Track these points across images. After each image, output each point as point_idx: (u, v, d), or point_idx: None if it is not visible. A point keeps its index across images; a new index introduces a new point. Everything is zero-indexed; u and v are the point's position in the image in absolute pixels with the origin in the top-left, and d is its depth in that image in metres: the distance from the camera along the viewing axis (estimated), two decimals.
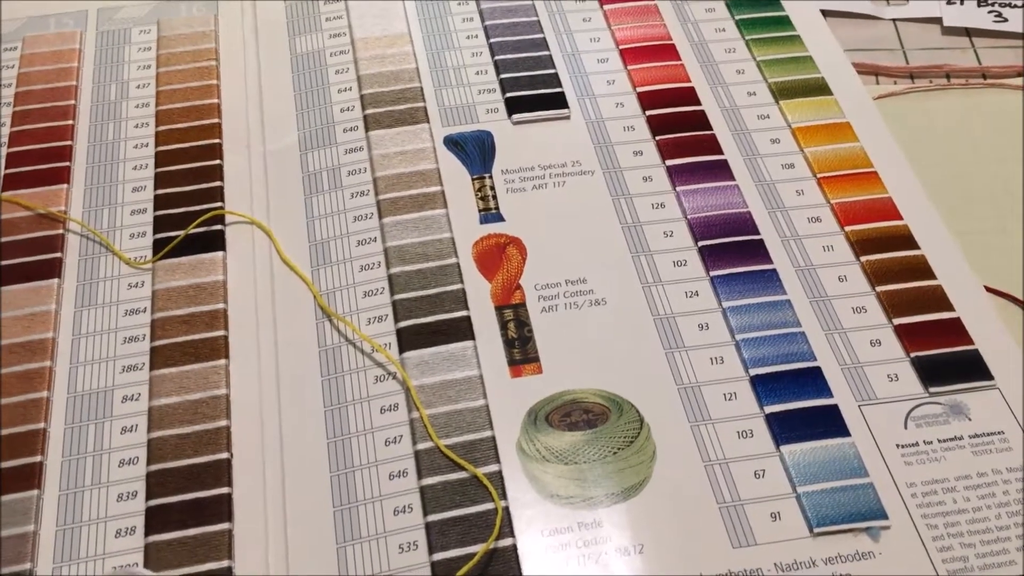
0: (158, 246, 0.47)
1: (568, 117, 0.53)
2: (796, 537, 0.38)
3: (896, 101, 0.56)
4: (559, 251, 0.47)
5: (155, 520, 0.39)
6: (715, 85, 0.55)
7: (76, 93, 0.54)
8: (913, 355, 0.43)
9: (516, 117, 0.53)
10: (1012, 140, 0.54)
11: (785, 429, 0.41)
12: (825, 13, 0.60)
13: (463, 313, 0.45)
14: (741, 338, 0.44)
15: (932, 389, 0.42)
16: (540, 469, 0.40)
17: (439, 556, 0.38)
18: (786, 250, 0.47)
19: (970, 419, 0.42)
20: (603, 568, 0.38)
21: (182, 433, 0.41)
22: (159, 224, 0.48)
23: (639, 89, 0.54)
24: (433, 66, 0.55)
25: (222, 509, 0.39)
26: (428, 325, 0.44)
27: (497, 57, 0.55)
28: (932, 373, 0.43)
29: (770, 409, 0.42)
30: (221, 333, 0.44)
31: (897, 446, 0.41)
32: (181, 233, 0.47)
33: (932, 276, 0.46)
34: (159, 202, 0.49)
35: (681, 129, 0.52)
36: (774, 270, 0.46)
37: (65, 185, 0.50)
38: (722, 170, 0.50)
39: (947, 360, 0.43)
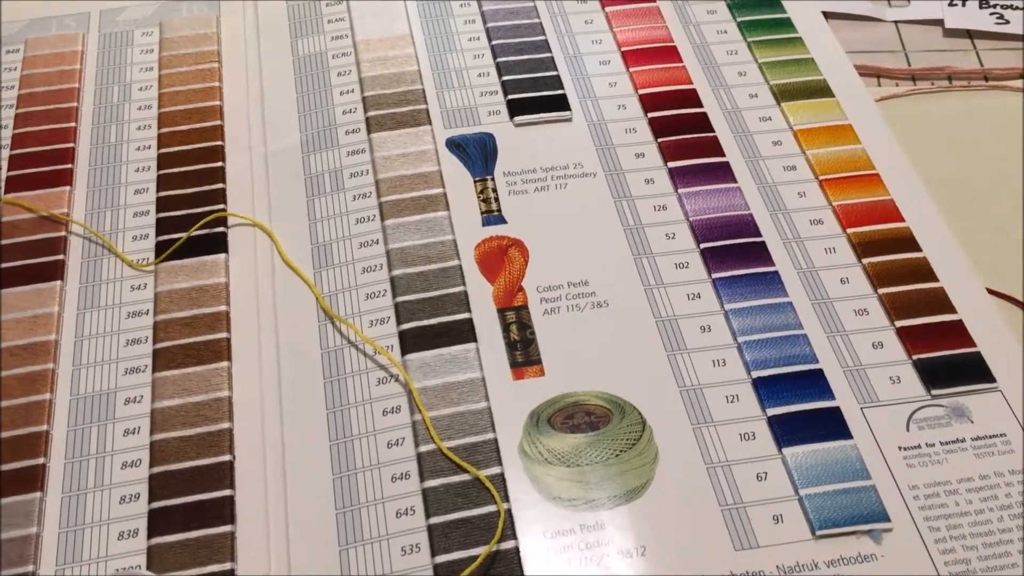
0: (160, 248, 0.47)
1: (570, 119, 0.53)
2: (798, 539, 0.38)
3: (898, 103, 0.56)
4: (561, 253, 0.47)
5: (158, 522, 0.39)
6: (717, 87, 0.55)
7: (78, 95, 0.54)
8: (915, 357, 0.43)
9: (518, 119, 0.53)
10: (1014, 142, 0.54)
11: (787, 431, 0.41)
12: (827, 15, 0.60)
13: (465, 315, 0.45)
14: (743, 340, 0.44)
15: (934, 391, 0.42)
16: (542, 471, 0.40)
17: (441, 558, 0.38)
18: (788, 252, 0.47)
19: (972, 421, 0.42)
20: (605, 570, 0.38)
21: (184, 435, 0.41)
22: (161, 226, 0.48)
23: (641, 91, 0.54)
24: (435, 68, 0.55)
25: (224, 511, 0.39)
26: (430, 327, 0.44)
27: (499, 59, 0.55)
28: (934, 375, 0.43)
29: (772, 411, 0.42)
30: (223, 335, 0.44)
31: (899, 448, 0.41)
32: (183, 235, 0.47)
33: (934, 278, 0.46)
34: (161, 204, 0.49)
35: (683, 131, 0.52)
36: (776, 272, 0.46)
37: (67, 187, 0.50)
38: (724, 172, 0.50)
39: (949, 362, 0.43)
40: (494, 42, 0.56)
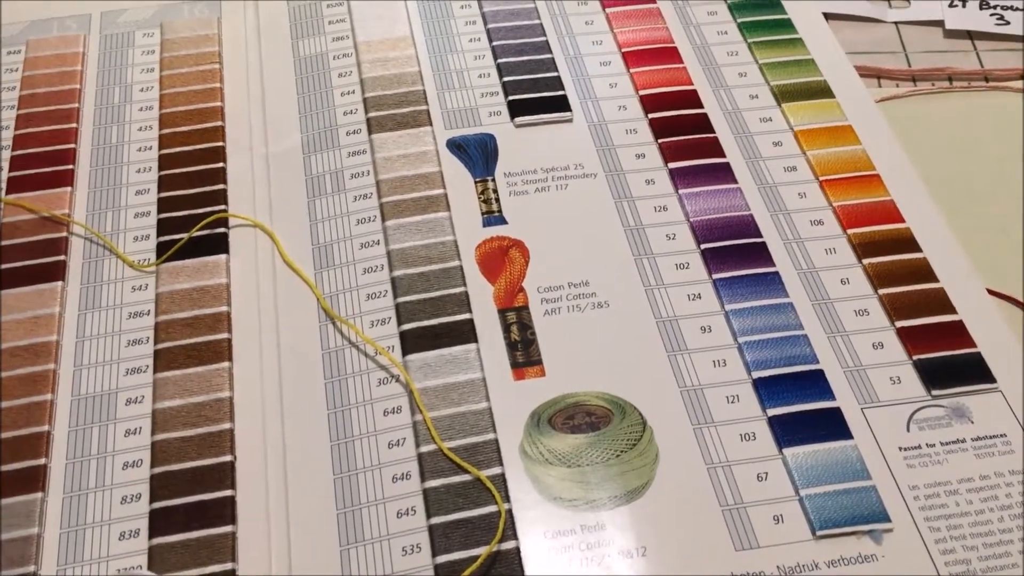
0: (161, 249, 0.47)
1: (571, 120, 0.53)
2: (799, 540, 0.38)
3: (898, 104, 0.56)
4: (562, 254, 0.47)
5: (159, 523, 0.39)
6: (717, 88, 0.55)
7: (79, 96, 0.54)
8: (915, 358, 0.43)
9: (519, 120, 0.53)
10: (1014, 142, 0.54)
11: (788, 432, 0.41)
12: (827, 16, 0.60)
13: (466, 316, 0.45)
14: (743, 341, 0.44)
15: (934, 392, 0.42)
16: (543, 472, 0.40)
17: (442, 559, 0.38)
18: (788, 253, 0.47)
19: (972, 422, 0.42)
20: (606, 571, 0.38)
21: (186, 436, 0.41)
22: (162, 227, 0.48)
23: (641, 92, 0.54)
24: (436, 69, 0.55)
25: (226, 512, 0.39)
26: (431, 328, 0.44)
27: (500, 60, 0.55)
28: (934, 376, 0.43)
29: (772, 412, 0.42)
30: (224, 336, 0.44)
31: (899, 449, 0.41)
32: (185, 236, 0.47)
33: (934, 279, 0.46)
34: (162, 205, 0.49)
35: (683, 132, 0.52)
36: (776, 273, 0.47)
37: (69, 188, 0.50)
38: (724, 173, 0.51)
39: (949, 363, 0.43)
40: (495, 43, 0.56)
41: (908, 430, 0.42)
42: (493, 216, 0.49)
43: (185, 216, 0.48)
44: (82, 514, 0.39)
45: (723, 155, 0.51)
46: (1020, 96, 0.56)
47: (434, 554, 0.38)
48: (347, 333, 0.45)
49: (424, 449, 0.41)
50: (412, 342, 0.44)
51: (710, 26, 0.58)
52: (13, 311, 0.45)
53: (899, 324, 0.45)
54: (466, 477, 0.40)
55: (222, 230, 0.48)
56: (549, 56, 0.56)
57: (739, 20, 0.58)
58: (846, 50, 0.57)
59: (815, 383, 0.43)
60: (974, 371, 0.43)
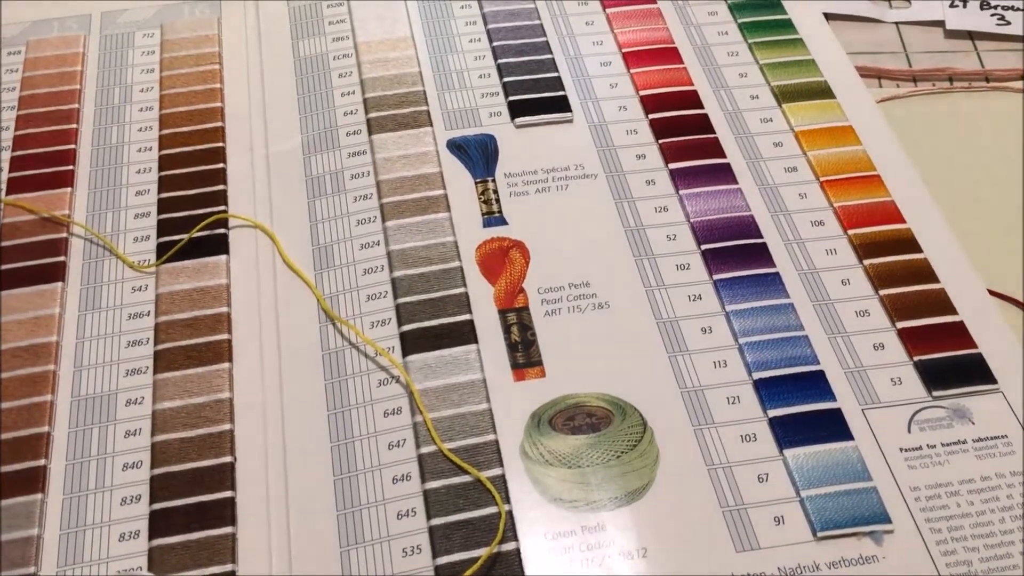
0: (162, 250, 0.47)
1: (571, 120, 0.53)
2: (799, 541, 0.38)
3: (899, 104, 0.56)
4: (562, 255, 0.47)
5: (159, 524, 0.39)
6: (718, 88, 0.55)
7: (80, 97, 0.54)
8: (916, 359, 0.43)
9: (519, 120, 0.53)
10: (1015, 143, 0.54)
11: (788, 433, 0.41)
12: (828, 16, 0.60)
13: (466, 317, 0.45)
14: (744, 342, 0.44)
15: (935, 393, 0.42)
16: (543, 473, 0.40)
17: (442, 560, 0.38)
18: (789, 254, 0.47)
19: (973, 423, 0.42)
20: (607, 571, 0.38)
21: (186, 437, 0.41)
22: (163, 228, 0.48)
23: (642, 92, 0.54)
24: (436, 69, 0.55)
25: (226, 513, 0.39)
26: (431, 329, 0.44)
27: (500, 60, 0.55)
28: (935, 377, 0.43)
29: (773, 413, 0.42)
30: (225, 337, 0.44)
31: (900, 450, 0.41)
32: (185, 237, 0.47)
33: (935, 279, 0.46)
34: (163, 206, 0.49)
35: (684, 132, 0.52)
36: (777, 274, 0.46)
37: (69, 189, 0.50)
38: (725, 173, 0.50)
39: (950, 364, 0.43)
40: (495, 43, 0.56)
41: (909, 431, 0.41)
42: (493, 217, 0.49)
43: (185, 217, 0.48)
44: (82, 515, 0.39)
45: (724, 156, 0.51)
46: (1021, 96, 0.56)
47: (434, 555, 0.38)
48: (347, 334, 0.45)
49: (424, 450, 0.41)
50: (412, 343, 0.44)
51: (711, 26, 0.58)
52: (13, 312, 0.45)
53: (900, 325, 0.45)
54: (466, 478, 0.40)
55: (222, 231, 0.48)
56: (549, 56, 0.56)
57: (740, 20, 0.58)
58: (847, 50, 0.57)
59: (816, 384, 0.43)
60: (975, 372, 0.43)
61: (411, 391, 0.42)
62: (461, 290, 0.46)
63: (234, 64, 0.56)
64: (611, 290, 0.46)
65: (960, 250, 0.47)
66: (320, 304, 0.46)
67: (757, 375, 0.43)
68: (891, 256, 0.47)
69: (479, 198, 0.50)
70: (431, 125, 0.52)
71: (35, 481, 0.40)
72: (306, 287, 0.46)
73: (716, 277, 0.46)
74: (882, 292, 0.46)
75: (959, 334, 0.44)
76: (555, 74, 0.55)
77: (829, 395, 0.42)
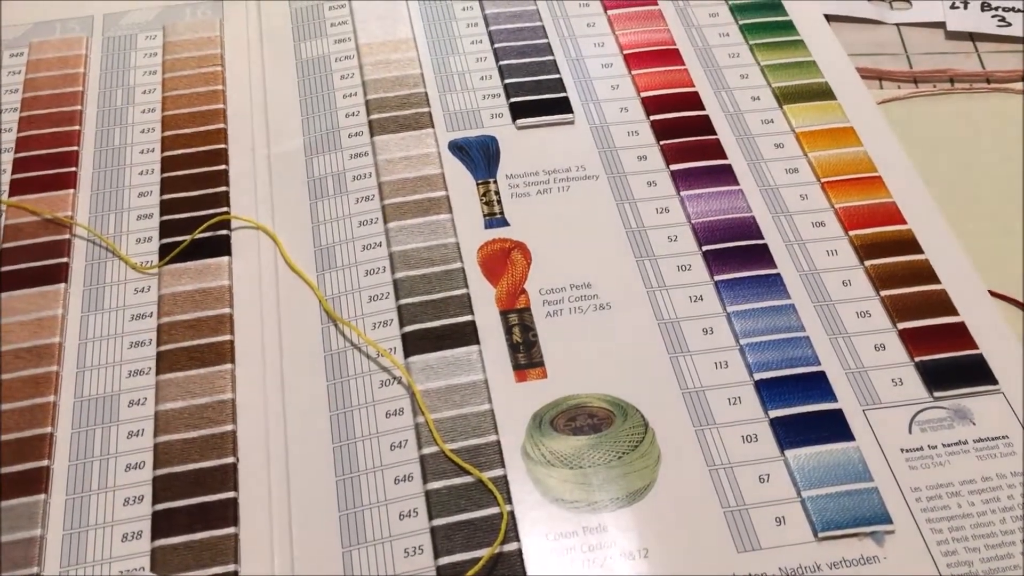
0: (164, 251, 0.47)
1: (572, 122, 0.53)
2: (801, 541, 0.38)
3: (900, 106, 0.56)
4: (564, 256, 0.47)
5: (161, 524, 0.39)
6: (719, 90, 0.55)
7: (82, 99, 0.54)
8: (917, 359, 0.43)
9: (520, 122, 0.53)
10: (1016, 144, 0.54)
11: (790, 433, 0.41)
12: (829, 18, 0.60)
13: (468, 318, 0.45)
14: (745, 342, 0.44)
15: (936, 393, 0.42)
16: (545, 473, 0.40)
17: (444, 560, 0.38)
18: (790, 254, 0.47)
19: (975, 423, 0.42)
20: (608, 572, 0.38)
21: (188, 437, 0.41)
22: (165, 229, 0.48)
23: (643, 94, 0.54)
24: (438, 71, 0.55)
25: (228, 513, 0.39)
26: (433, 329, 0.44)
27: (501, 62, 0.56)
28: (936, 377, 0.43)
29: (775, 413, 0.42)
30: (227, 337, 0.44)
31: (901, 450, 0.41)
32: (187, 238, 0.47)
33: (936, 280, 0.46)
34: (165, 207, 0.49)
35: (685, 133, 0.52)
36: (778, 274, 0.47)
37: (71, 190, 0.50)
38: (726, 174, 0.51)
39: (951, 364, 0.43)
40: (496, 45, 0.57)
41: (910, 431, 0.42)
42: (495, 218, 0.49)
43: (187, 218, 0.48)
44: (85, 516, 0.39)
45: (725, 157, 0.51)
46: (1021, 98, 0.56)
47: (436, 556, 0.38)
48: (349, 335, 0.45)
49: (426, 451, 0.41)
50: (414, 344, 0.44)
51: (712, 28, 0.58)
52: (16, 313, 0.45)
53: (901, 326, 0.45)
54: (468, 479, 0.40)
55: (224, 232, 0.48)
56: (551, 58, 0.56)
57: (741, 22, 0.58)
58: (847, 52, 0.57)
59: (817, 385, 0.43)
60: (976, 372, 0.43)
61: (413, 392, 0.42)
62: (463, 291, 0.46)
63: (236, 66, 0.56)
64: (612, 291, 0.46)
65: (961, 251, 0.48)
66: (322, 305, 0.46)
67: (758, 376, 0.43)
68: (892, 257, 0.47)
69: (481, 199, 0.50)
70: (433, 127, 0.52)
71: (38, 482, 0.40)
72: (308, 288, 0.46)
73: (717, 278, 0.46)
74: (883, 293, 0.46)
75: (960, 335, 0.44)
76: (556, 76, 0.55)
77: (830, 396, 0.42)
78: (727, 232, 0.48)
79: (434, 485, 0.40)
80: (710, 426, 0.42)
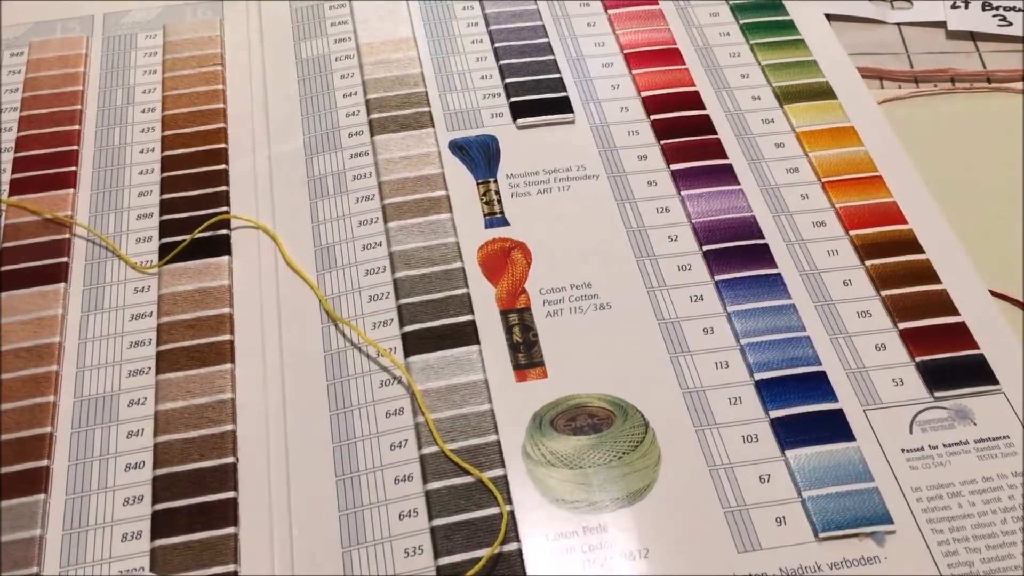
0: (164, 250, 0.47)
1: (573, 121, 0.53)
2: (801, 542, 0.38)
3: (901, 105, 0.56)
4: (564, 255, 0.47)
5: (161, 524, 0.39)
6: (719, 89, 0.55)
7: (82, 98, 0.54)
8: (918, 359, 0.43)
9: (521, 121, 0.53)
10: (1016, 144, 0.54)
11: (790, 433, 0.41)
12: (829, 17, 0.60)
13: (468, 317, 0.45)
14: (746, 342, 0.44)
15: (937, 393, 0.42)
16: (545, 473, 0.40)
17: (444, 560, 0.38)
18: (791, 254, 0.47)
19: (975, 424, 0.42)
20: (608, 572, 0.38)
21: (188, 437, 0.41)
22: (165, 228, 0.48)
23: (644, 93, 0.54)
24: (438, 71, 0.55)
25: (228, 513, 0.39)
26: (433, 329, 0.44)
27: (502, 62, 0.56)
28: (937, 377, 0.43)
29: (775, 413, 0.42)
30: (227, 337, 0.44)
31: (902, 451, 0.41)
32: (187, 238, 0.47)
33: (937, 280, 0.46)
34: (165, 207, 0.49)
35: (686, 133, 0.52)
36: (779, 274, 0.46)
37: (71, 190, 0.50)
38: (727, 174, 0.51)
39: (952, 364, 0.43)
40: (497, 45, 0.56)
41: (911, 432, 0.41)
42: (495, 217, 0.49)
43: (187, 218, 0.48)
44: (84, 516, 0.39)
45: (725, 156, 0.51)
46: (1022, 97, 0.56)
47: (436, 556, 0.38)
48: (349, 335, 0.45)
49: (426, 451, 0.41)
50: (414, 344, 0.44)
51: (712, 27, 0.58)
52: (16, 313, 0.45)
53: (901, 325, 0.45)
54: (468, 479, 0.40)
55: (224, 232, 0.48)
56: (551, 58, 0.56)
57: (741, 21, 0.58)
58: (848, 51, 0.57)
59: (817, 385, 0.43)
60: (977, 373, 0.43)
61: (413, 392, 0.42)
62: (463, 291, 0.46)
63: (236, 65, 0.56)
64: (613, 291, 0.46)
65: (961, 251, 0.48)
66: (322, 305, 0.46)
67: (759, 376, 0.43)
68: (893, 257, 0.47)
69: (481, 199, 0.50)
70: (433, 126, 0.52)
71: (38, 481, 0.40)
72: (308, 288, 0.46)
73: (718, 278, 0.46)
74: (884, 293, 0.46)
75: (961, 335, 0.44)
76: (557, 75, 0.55)
77: (831, 396, 0.42)
78: (727, 232, 0.48)
79: (434, 485, 0.40)
80: (710, 426, 0.42)
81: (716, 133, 0.52)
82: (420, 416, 0.42)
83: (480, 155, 0.51)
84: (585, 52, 0.57)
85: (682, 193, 0.50)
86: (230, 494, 0.40)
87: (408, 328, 0.44)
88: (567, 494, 0.40)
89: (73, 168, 0.51)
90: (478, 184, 0.50)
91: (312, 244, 0.48)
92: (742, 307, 0.45)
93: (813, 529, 0.39)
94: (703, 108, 0.54)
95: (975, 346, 0.44)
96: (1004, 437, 0.41)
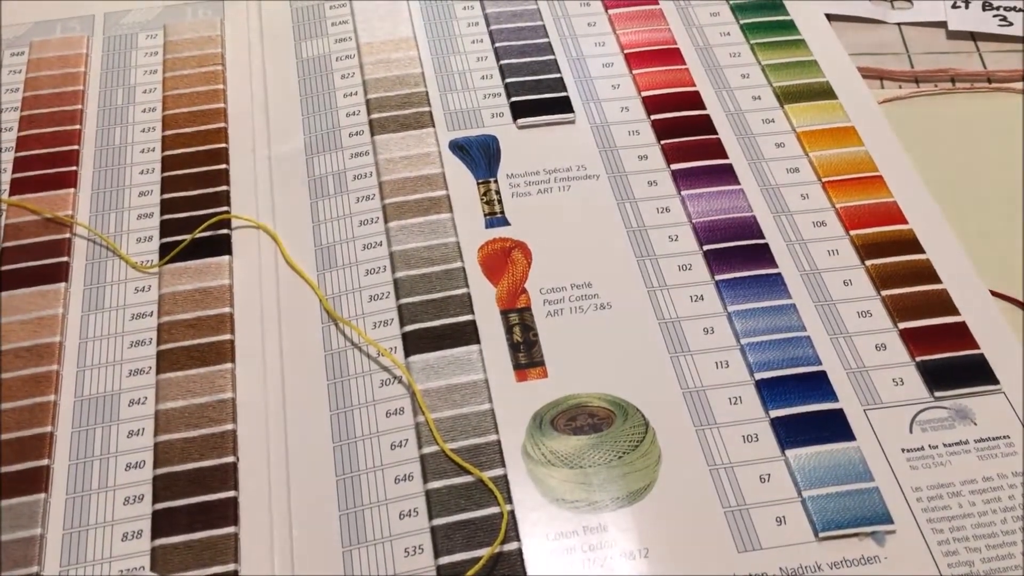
0: (164, 250, 0.47)
1: (573, 121, 0.53)
2: (801, 541, 0.38)
3: (901, 105, 0.56)
4: (564, 255, 0.47)
5: (161, 524, 0.39)
6: (720, 89, 0.55)
7: (83, 98, 0.54)
8: (918, 359, 0.43)
9: (521, 121, 0.53)
10: (1017, 144, 0.54)
11: (790, 433, 0.41)
12: (830, 17, 0.60)
13: (468, 317, 0.45)
14: (746, 342, 0.44)
15: (937, 393, 0.42)
16: (545, 473, 0.40)
17: (445, 560, 0.38)
18: (791, 254, 0.47)
19: (976, 423, 0.42)
20: (608, 572, 0.38)
21: (188, 437, 0.41)
22: (165, 228, 0.48)
23: (644, 93, 0.54)
24: (438, 70, 0.55)
25: (228, 513, 0.39)
26: (434, 329, 0.44)
27: (502, 62, 0.56)
28: (937, 377, 0.43)
29: (775, 413, 0.42)
30: (227, 337, 0.44)
31: (902, 450, 0.41)
32: (187, 237, 0.47)
33: (937, 280, 0.46)
34: (165, 206, 0.49)
35: (686, 133, 0.52)
36: (779, 274, 0.47)
37: (72, 189, 0.50)
38: (727, 174, 0.51)
39: (952, 364, 0.43)
40: (497, 44, 0.56)
41: (911, 431, 0.41)
42: (495, 217, 0.49)
43: (188, 217, 0.48)
44: (85, 515, 0.39)
45: (725, 156, 0.51)
46: (1022, 97, 0.56)
47: (436, 555, 0.38)
48: (349, 334, 0.45)
49: (426, 450, 0.41)
50: (414, 343, 0.44)
51: (712, 27, 0.58)
52: (16, 312, 0.45)
53: (902, 325, 0.45)
54: (468, 478, 0.40)
55: (225, 231, 0.48)
56: (552, 57, 0.56)
57: (742, 21, 0.58)
58: (849, 51, 0.57)
59: (818, 384, 0.43)
60: (977, 372, 0.43)
61: (413, 391, 0.42)
62: (463, 291, 0.46)
63: (237, 65, 0.56)
64: (613, 291, 0.46)
65: (962, 251, 0.48)
66: (322, 304, 0.46)
67: (759, 375, 0.43)
68: (893, 257, 0.47)
69: (481, 199, 0.50)
70: (433, 126, 0.52)
71: (38, 481, 0.40)
72: (308, 288, 0.46)
73: (718, 278, 0.46)
74: (884, 293, 0.46)
75: (961, 334, 0.44)
76: (557, 75, 0.55)
77: (831, 396, 0.42)
78: (728, 232, 0.48)
79: (434, 485, 0.40)
80: (711, 426, 0.42)
81: (716, 133, 0.52)
82: (420, 416, 0.42)
83: (480, 155, 0.51)
84: (585, 52, 0.57)
85: (682, 193, 0.50)
86: (230, 493, 0.40)
87: (408, 328, 0.44)
88: (567, 494, 0.40)
89: (74, 168, 0.51)
90: (478, 184, 0.50)
91: (312, 244, 0.48)
92: (742, 307, 0.45)
93: (813, 529, 0.39)
94: (703, 108, 0.54)
95: (975, 346, 0.44)
96: (1004, 437, 0.41)
